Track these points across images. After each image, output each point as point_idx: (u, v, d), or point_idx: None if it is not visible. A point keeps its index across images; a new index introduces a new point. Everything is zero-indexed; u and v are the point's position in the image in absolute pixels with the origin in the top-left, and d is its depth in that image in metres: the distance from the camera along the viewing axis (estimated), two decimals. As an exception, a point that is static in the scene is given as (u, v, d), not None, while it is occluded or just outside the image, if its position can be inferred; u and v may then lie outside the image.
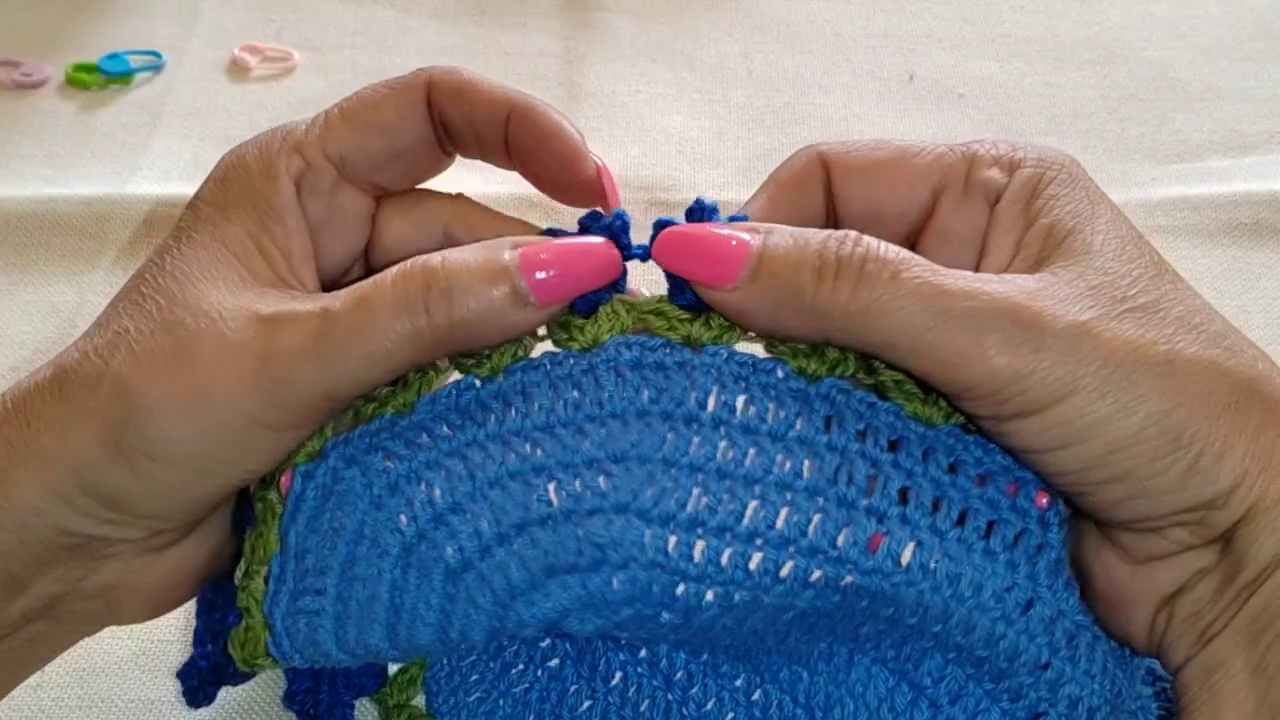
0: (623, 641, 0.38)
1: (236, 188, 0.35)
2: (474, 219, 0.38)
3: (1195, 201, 0.61)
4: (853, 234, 0.32)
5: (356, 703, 0.40)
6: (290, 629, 0.34)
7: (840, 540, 0.32)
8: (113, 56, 0.70)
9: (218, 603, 0.35)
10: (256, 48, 0.71)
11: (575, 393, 0.33)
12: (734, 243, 0.32)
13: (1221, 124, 0.66)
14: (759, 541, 0.32)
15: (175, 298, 0.32)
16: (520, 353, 0.34)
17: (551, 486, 0.32)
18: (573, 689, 0.39)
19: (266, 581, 0.34)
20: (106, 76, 0.69)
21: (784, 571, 0.32)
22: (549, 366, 0.34)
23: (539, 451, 0.33)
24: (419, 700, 0.40)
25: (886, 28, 0.73)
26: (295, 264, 0.34)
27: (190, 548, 0.35)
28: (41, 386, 0.32)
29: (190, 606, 0.38)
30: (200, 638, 0.36)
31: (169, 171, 0.64)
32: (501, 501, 0.32)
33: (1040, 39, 0.72)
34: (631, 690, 0.38)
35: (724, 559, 0.32)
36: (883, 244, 0.31)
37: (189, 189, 0.62)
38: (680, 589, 0.32)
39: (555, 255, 0.32)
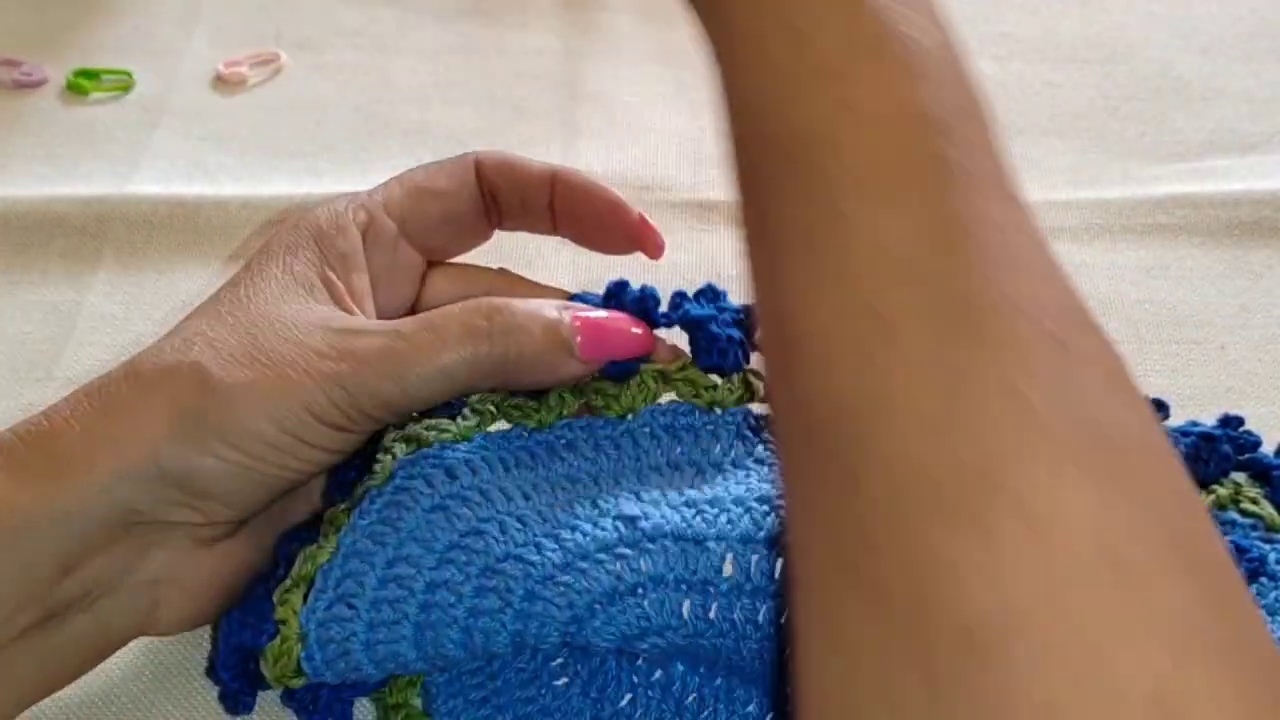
0: (639, 661, 0.38)
1: (307, 234, 0.39)
2: (517, 286, 0.43)
3: (1196, 200, 0.61)
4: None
5: (355, 701, 0.40)
6: (323, 639, 0.35)
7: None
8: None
9: (247, 623, 0.36)
10: (237, 60, 0.70)
11: (614, 450, 0.39)
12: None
13: (1221, 124, 0.66)
14: (755, 545, 0.36)
15: (250, 308, 0.36)
16: (565, 411, 0.39)
17: (595, 512, 0.37)
18: (577, 708, 0.39)
19: (306, 597, 0.36)
20: (107, 84, 0.69)
21: (778, 573, 0.35)
22: (590, 427, 0.39)
23: (582, 489, 0.38)
24: (417, 701, 0.40)
25: (886, 28, 0.73)
26: (357, 299, 0.38)
27: (234, 549, 0.38)
28: (118, 379, 0.35)
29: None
30: (225, 657, 0.37)
31: (169, 172, 0.64)
32: (550, 514, 0.37)
33: (1040, 39, 0.72)
34: (639, 713, 0.38)
35: (753, 567, 0.35)
36: None
37: (189, 190, 0.63)
38: (702, 560, 0.36)
39: (598, 322, 0.38)
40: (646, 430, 0.39)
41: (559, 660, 0.39)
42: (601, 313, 0.39)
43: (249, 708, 0.38)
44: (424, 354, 0.35)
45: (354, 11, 0.75)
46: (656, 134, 0.66)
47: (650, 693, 0.38)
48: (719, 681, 0.38)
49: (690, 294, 0.41)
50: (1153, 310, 0.57)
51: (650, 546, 0.35)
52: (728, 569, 0.35)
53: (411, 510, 0.36)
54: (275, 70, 0.71)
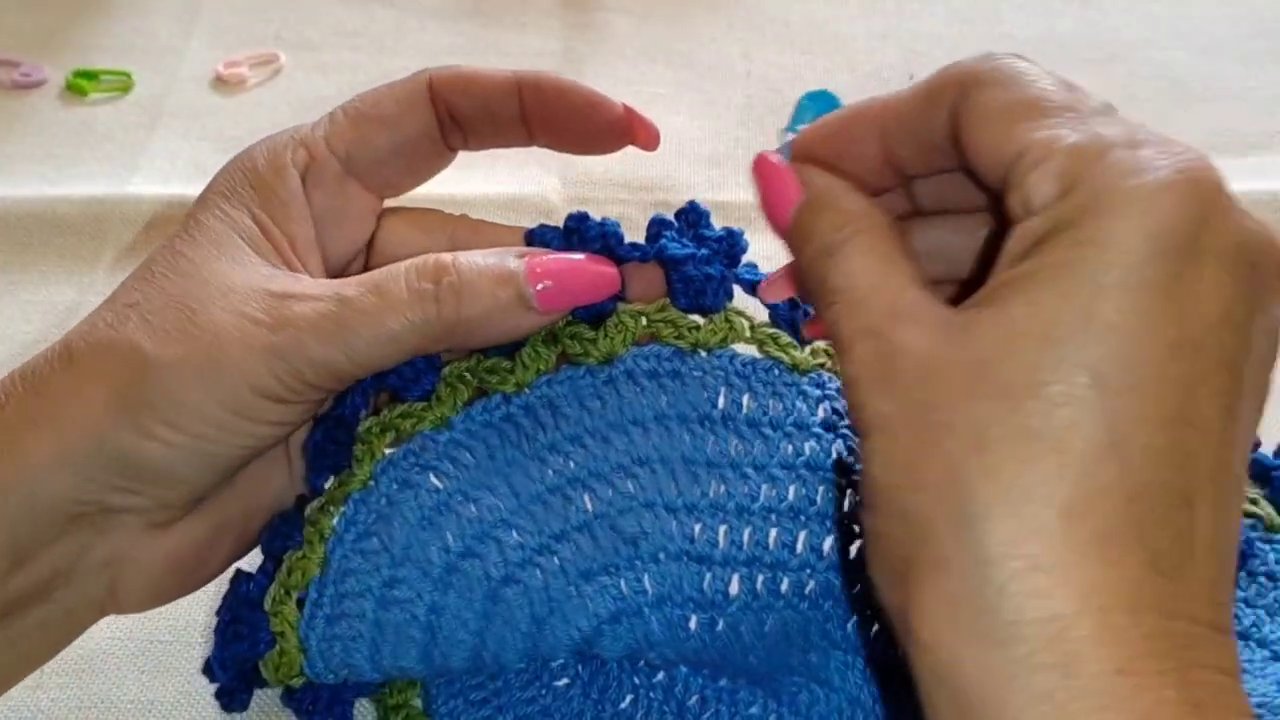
0: (640, 664, 0.38)
1: (243, 178, 0.36)
2: (482, 228, 0.39)
3: (1195, 201, 0.61)
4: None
5: (355, 702, 0.40)
6: (325, 652, 0.35)
7: (846, 504, 0.35)
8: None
9: (241, 633, 0.35)
10: (237, 60, 0.70)
11: (598, 403, 0.36)
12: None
13: (1221, 124, 0.66)
14: (774, 517, 0.35)
15: (185, 273, 0.34)
16: (542, 366, 0.36)
17: (587, 497, 0.35)
18: (578, 709, 0.39)
19: (299, 605, 0.35)
20: (106, 84, 0.69)
21: (799, 546, 0.35)
22: (571, 380, 0.37)
23: (571, 464, 0.35)
24: (417, 701, 0.40)
25: (886, 28, 0.73)
26: (300, 251, 0.36)
27: (192, 528, 0.36)
28: (50, 359, 0.33)
29: (188, 604, 0.38)
30: (223, 663, 0.36)
31: (169, 172, 0.64)
32: (543, 515, 0.35)
33: (1040, 39, 0.72)
34: (640, 714, 0.38)
35: (745, 538, 0.35)
36: None
37: (189, 190, 0.62)
38: (707, 580, 0.35)
39: (558, 268, 0.35)
40: (629, 378, 0.36)
41: (560, 662, 0.39)
42: (560, 256, 0.35)
43: (245, 705, 0.38)
44: (368, 320, 0.33)
45: (354, 12, 0.75)
46: (656, 134, 0.66)
47: (652, 694, 0.38)
48: (723, 683, 0.38)
49: (671, 217, 0.38)
50: (1153, 310, 0.57)
51: (653, 568, 0.35)
52: (734, 588, 0.35)
53: (402, 526, 0.35)
54: (275, 70, 0.71)
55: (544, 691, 0.39)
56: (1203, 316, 0.26)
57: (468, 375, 0.36)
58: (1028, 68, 0.30)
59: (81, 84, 0.69)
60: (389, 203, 0.39)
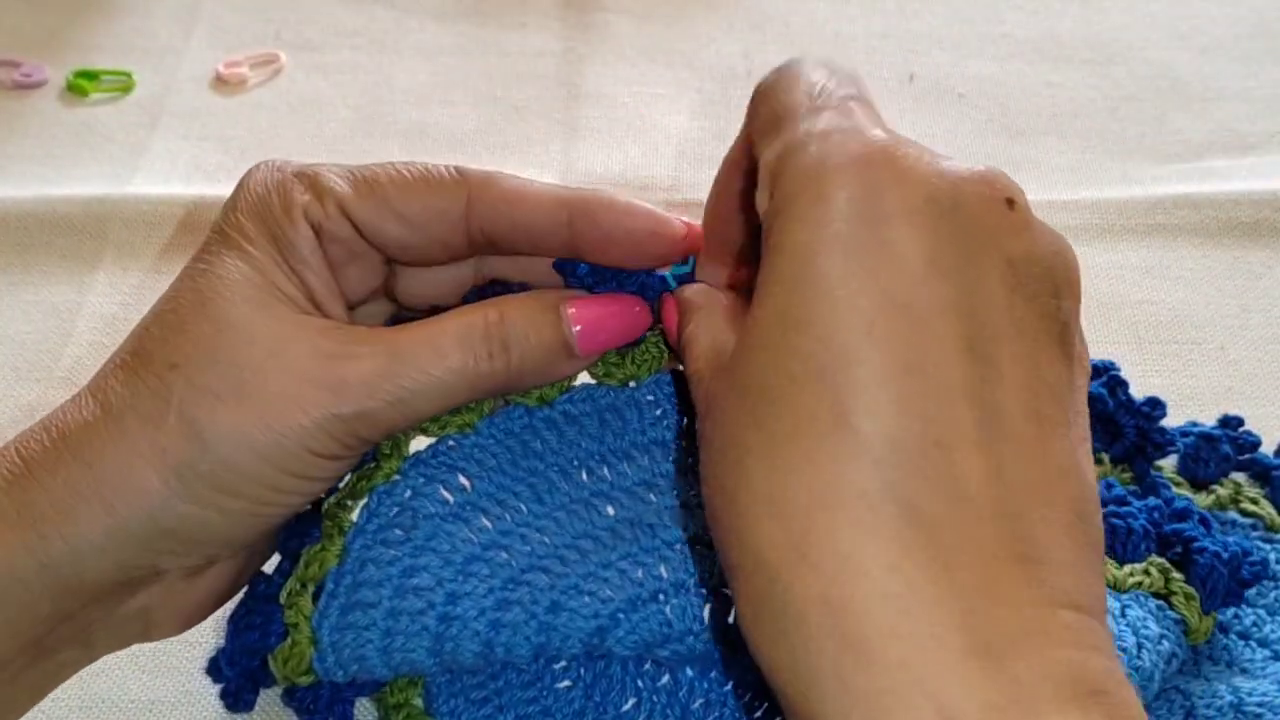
0: (645, 666, 0.38)
1: (260, 222, 0.34)
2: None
3: (1195, 200, 0.61)
4: None
5: (355, 701, 0.40)
6: (336, 643, 0.35)
7: None
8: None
9: (254, 624, 0.36)
10: (237, 60, 0.70)
11: (620, 422, 0.37)
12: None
13: (1221, 124, 0.66)
14: None
15: (220, 324, 0.33)
16: (565, 384, 0.37)
17: (611, 507, 0.36)
18: (579, 709, 0.39)
19: (315, 598, 0.35)
20: (107, 84, 0.69)
21: None
22: (593, 398, 0.38)
23: (595, 479, 0.37)
24: (419, 701, 0.40)
25: (886, 28, 0.73)
26: (320, 299, 0.35)
27: (226, 566, 0.37)
28: (94, 425, 0.32)
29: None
30: (231, 658, 0.36)
31: (169, 173, 0.64)
32: (567, 520, 0.36)
33: (1040, 39, 0.72)
34: (643, 717, 0.38)
35: None
36: None
37: (189, 190, 0.63)
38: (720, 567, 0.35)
39: (598, 313, 0.36)
40: (651, 398, 0.38)
41: (563, 664, 0.39)
42: (598, 300, 0.36)
43: (250, 706, 0.38)
44: (423, 378, 0.33)
45: (354, 12, 0.75)
46: (656, 134, 0.66)
47: (655, 698, 0.38)
48: (728, 687, 0.38)
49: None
50: (1153, 310, 0.57)
51: (669, 554, 0.35)
52: None
53: (427, 519, 0.35)
54: (275, 70, 0.71)
55: (545, 692, 0.39)
56: (904, 274, 0.26)
57: None
58: (791, 74, 0.31)
59: (82, 84, 0.68)
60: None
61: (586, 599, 0.35)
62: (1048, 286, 0.28)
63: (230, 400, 0.32)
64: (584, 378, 0.38)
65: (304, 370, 0.32)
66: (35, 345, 0.56)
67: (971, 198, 0.27)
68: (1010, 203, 0.27)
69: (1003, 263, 0.27)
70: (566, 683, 0.39)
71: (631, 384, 0.38)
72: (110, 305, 0.57)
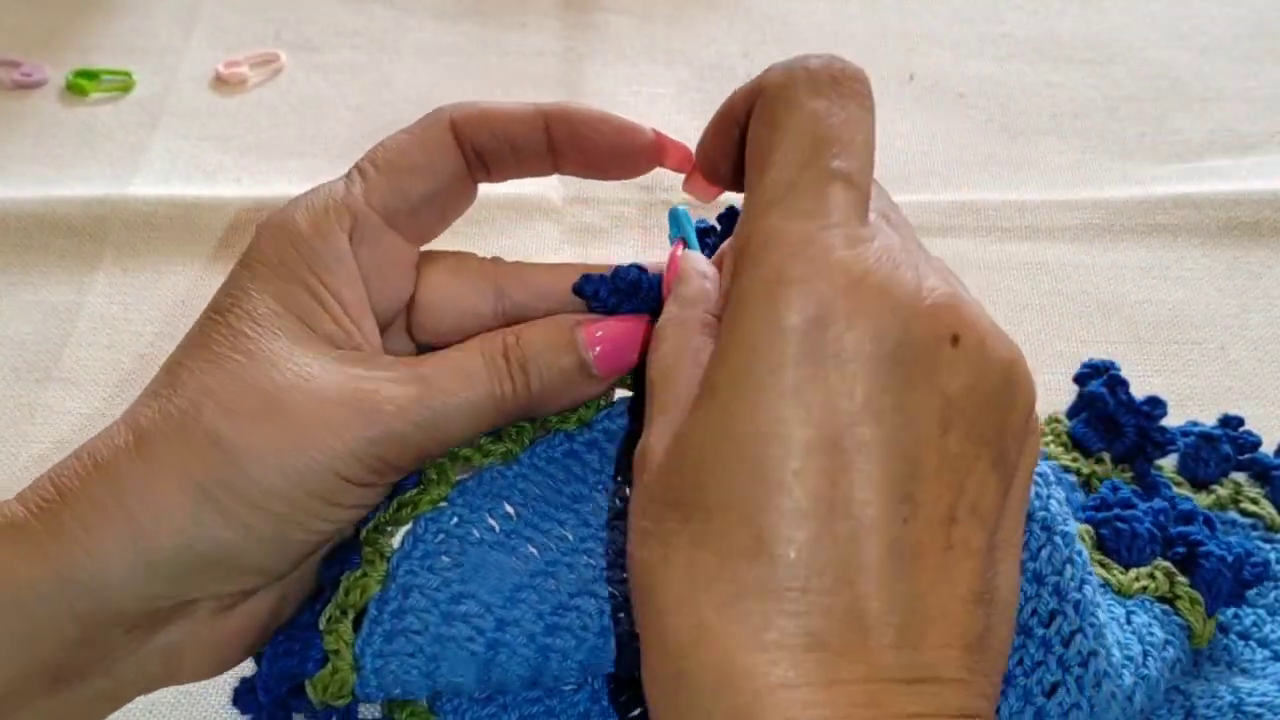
0: None
1: (289, 246, 0.35)
2: (524, 273, 0.39)
3: (1195, 200, 0.61)
4: None
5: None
6: (380, 670, 0.34)
7: None
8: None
9: (293, 650, 0.35)
10: (237, 60, 0.70)
11: None
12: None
13: (1221, 124, 0.66)
14: None
15: (252, 354, 0.33)
16: (603, 402, 0.37)
17: None
18: (584, 712, 0.39)
19: (356, 625, 0.35)
20: (107, 84, 0.69)
21: None
22: (632, 413, 0.37)
23: None
24: (423, 701, 0.40)
25: (886, 28, 0.73)
26: (355, 315, 0.35)
27: (257, 603, 0.36)
28: (120, 444, 0.32)
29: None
30: (267, 683, 0.35)
31: (169, 173, 0.64)
32: (614, 539, 0.36)
33: (1040, 39, 0.72)
34: None
35: None
36: None
37: (189, 190, 0.62)
38: None
39: (611, 334, 0.36)
40: None
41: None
42: (614, 322, 0.37)
43: None
44: (452, 401, 0.34)
45: (354, 12, 0.75)
46: (656, 134, 0.66)
47: None
48: None
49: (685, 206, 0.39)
50: (1153, 310, 0.57)
51: None
52: None
53: (475, 546, 0.35)
54: (275, 70, 0.71)
55: (550, 693, 0.39)
56: (839, 413, 0.27)
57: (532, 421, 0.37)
58: (790, 100, 0.31)
59: (82, 84, 0.68)
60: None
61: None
62: (988, 414, 0.29)
63: (259, 420, 0.32)
64: (623, 391, 0.38)
65: (334, 394, 0.33)
66: (35, 345, 0.56)
67: (918, 336, 0.28)
68: (955, 339, 0.28)
69: (940, 401, 0.28)
70: (571, 685, 0.39)
71: None
72: (110, 306, 0.57)
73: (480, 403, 0.34)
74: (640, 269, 0.37)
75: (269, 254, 0.35)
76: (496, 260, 0.39)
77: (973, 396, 0.28)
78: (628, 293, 0.37)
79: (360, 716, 0.39)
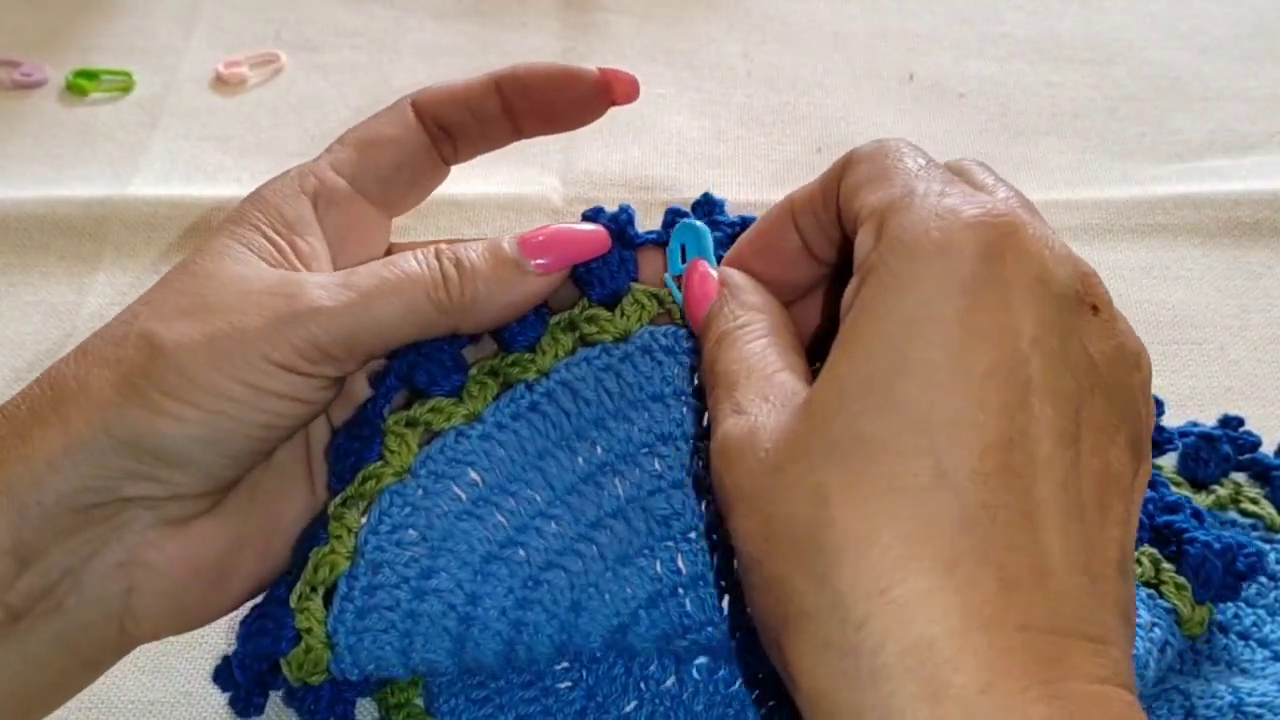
0: (650, 668, 0.38)
1: (255, 210, 0.36)
2: None
3: (1195, 200, 0.61)
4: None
5: (356, 701, 0.40)
6: (354, 647, 0.34)
7: None
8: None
9: (266, 628, 0.35)
10: (237, 60, 0.70)
11: (615, 381, 0.37)
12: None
13: (1221, 124, 0.66)
14: None
15: (196, 274, 0.34)
16: (560, 352, 0.37)
17: (617, 480, 0.36)
18: (580, 709, 0.39)
19: (327, 601, 0.35)
20: (107, 84, 0.69)
21: None
22: (587, 360, 0.37)
23: (599, 449, 0.36)
24: (419, 700, 0.40)
25: (886, 28, 0.73)
26: (307, 260, 0.36)
27: (208, 532, 0.36)
28: (65, 361, 0.34)
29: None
30: (242, 662, 0.36)
31: (169, 172, 0.64)
32: (579, 504, 0.36)
33: (1040, 39, 0.72)
34: (644, 718, 0.38)
35: None
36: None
37: (189, 191, 0.63)
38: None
39: (547, 231, 0.36)
40: (644, 353, 0.37)
41: (564, 664, 0.39)
42: (551, 228, 0.37)
43: (260, 710, 0.38)
44: (385, 288, 0.34)
45: (354, 11, 0.75)
46: (656, 134, 0.66)
47: (659, 701, 0.38)
48: (734, 688, 0.38)
49: (687, 209, 0.39)
50: (1153, 310, 0.57)
51: (685, 546, 0.35)
52: None
53: (441, 518, 0.35)
54: (275, 70, 0.71)
55: (546, 692, 0.39)
56: (1013, 348, 0.27)
57: (494, 370, 0.37)
58: (895, 145, 0.32)
59: (82, 84, 0.68)
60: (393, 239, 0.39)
61: (607, 597, 0.35)
62: (1124, 391, 0.29)
63: (188, 317, 0.33)
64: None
65: (265, 287, 0.33)
66: (35, 346, 0.56)
67: (1069, 293, 0.28)
68: (1095, 309, 0.29)
69: (1088, 359, 0.28)
70: (567, 683, 0.39)
71: (627, 340, 0.37)
72: (110, 306, 0.57)
73: (414, 298, 0.34)
74: (602, 208, 0.38)
75: (233, 215, 0.36)
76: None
77: (1113, 368, 0.28)
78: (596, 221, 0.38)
79: (357, 718, 0.39)
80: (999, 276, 0.27)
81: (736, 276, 0.35)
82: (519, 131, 0.39)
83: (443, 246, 0.36)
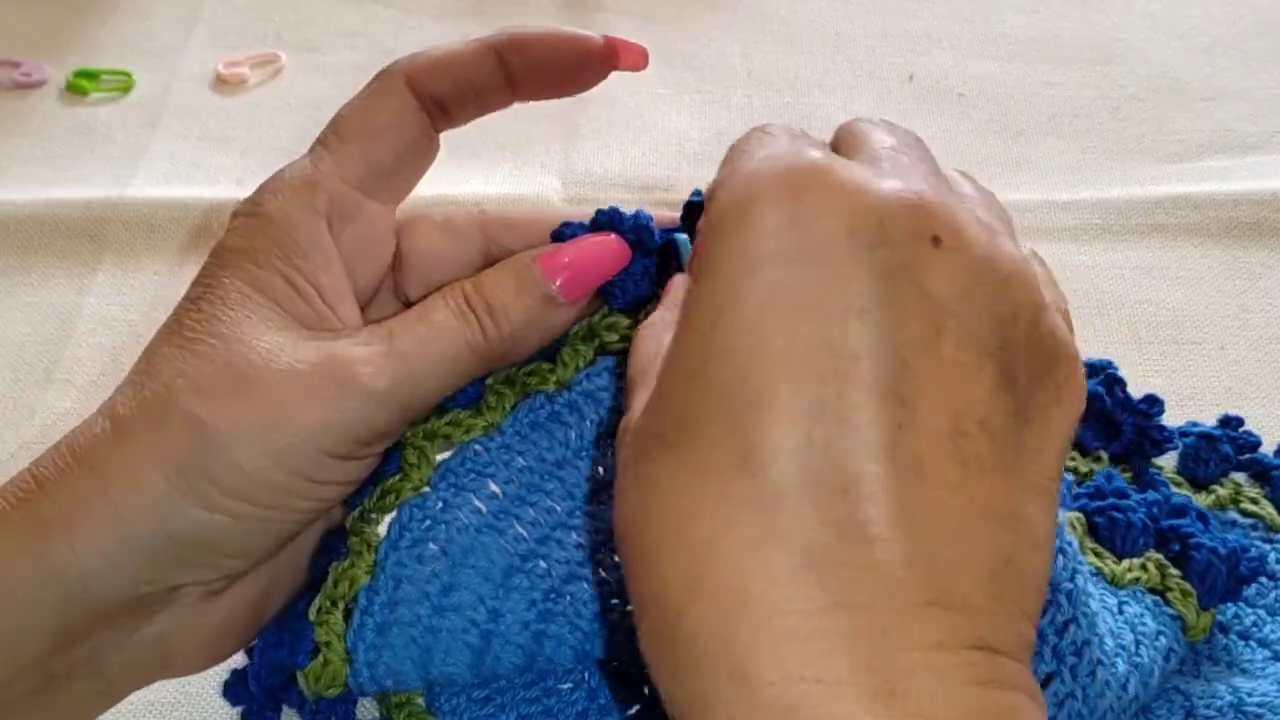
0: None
1: (261, 234, 0.34)
2: (513, 223, 0.38)
3: (1195, 200, 0.61)
4: None
5: (358, 700, 0.40)
6: (373, 661, 0.34)
7: None
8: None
9: (283, 641, 0.35)
10: (237, 60, 0.70)
11: None
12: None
13: (1221, 124, 0.66)
14: None
15: (228, 338, 0.32)
16: (581, 363, 0.37)
17: None
18: (581, 710, 0.39)
19: (346, 615, 0.34)
20: (106, 84, 0.69)
21: None
22: (609, 370, 0.37)
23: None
24: (421, 700, 0.40)
25: (886, 28, 0.73)
26: (331, 300, 0.34)
27: (247, 588, 0.35)
28: (101, 436, 0.32)
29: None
30: (258, 675, 0.35)
31: (169, 174, 0.64)
32: (599, 513, 0.35)
33: (1040, 39, 0.72)
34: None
35: None
36: None
37: (189, 191, 0.62)
38: None
39: (573, 257, 0.35)
40: None
41: (567, 666, 0.39)
42: (573, 247, 0.36)
43: None
44: (426, 351, 0.33)
45: (353, 12, 0.75)
46: (656, 134, 0.66)
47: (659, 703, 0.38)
48: None
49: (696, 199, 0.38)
50: (1153, 310, 0.57)
51: None
52: None
53: (462, 532, 0.35)
54: (275, 70, 0.71)
55: (548, 693, 0.39)
56: (822, 314, 0.26)
57: (508, 384, 0.36)
58: (761, 127, 0.31)
59: (82, 84, 0.68)
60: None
61: (630, 607, 0.34)
62: (986, 324, 0.26)
63: (234, 398, 0.31)
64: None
65: (308, 367, 0.32)
66: (35, 346, 0.56)
67: (896, 232, 0.26)
68: (936, 240, 0.26)
69: (927, 303, 0.26)
70: (569, 684, 0.39)
71: None
72: (109, 307, 0.57)
73: (455, 353, 0.34)
74: (619, 211, 0.37)
75: (241, 244, 0.34)
76: (483, 211, 0.39)
77: (966, 303, 0.26)
78: (606, 230, 0.37)
79: (358, 717, 0.39)
80: (801, 244, 0.26)
81: (677, 279, 0.35)
82: (516, 97, 0.38)
83: (469, 289, 0.34)
